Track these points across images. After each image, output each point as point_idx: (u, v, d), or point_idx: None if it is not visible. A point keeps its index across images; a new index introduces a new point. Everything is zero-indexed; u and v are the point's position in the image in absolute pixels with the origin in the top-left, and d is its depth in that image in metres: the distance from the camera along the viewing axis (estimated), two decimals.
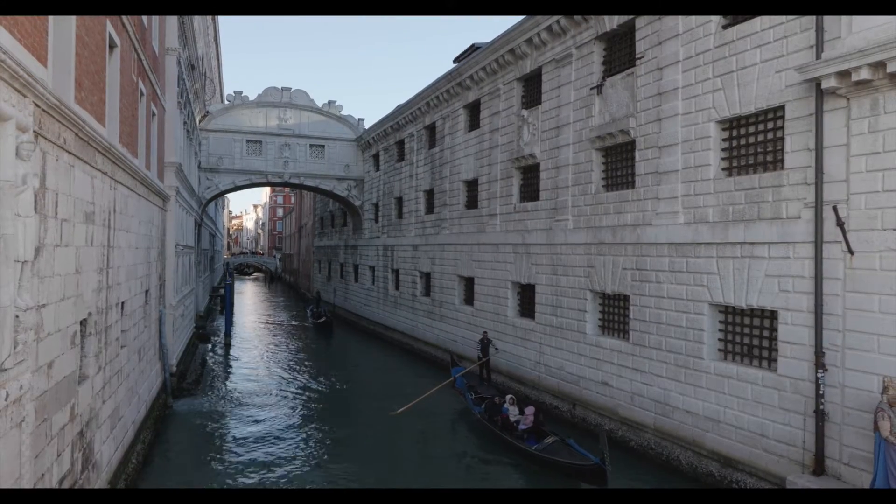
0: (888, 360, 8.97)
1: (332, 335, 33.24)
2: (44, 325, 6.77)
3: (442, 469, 13.18)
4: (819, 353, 9.86)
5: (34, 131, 6.22)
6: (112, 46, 10.64)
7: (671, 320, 12.84)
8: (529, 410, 14.12)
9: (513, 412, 14.55)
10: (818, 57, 9.83)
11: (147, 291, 14.80)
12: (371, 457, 13.73)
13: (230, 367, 24.60)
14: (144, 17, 14.12)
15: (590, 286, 15.42)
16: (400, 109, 29.03)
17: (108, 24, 10.06)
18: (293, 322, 40.36)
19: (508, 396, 15.29)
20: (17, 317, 5.74)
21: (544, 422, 14.33)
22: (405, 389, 20.60)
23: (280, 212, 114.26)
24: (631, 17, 14.13)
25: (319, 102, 36.12)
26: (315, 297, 45.56)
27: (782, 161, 10.83)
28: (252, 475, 12.61)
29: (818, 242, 9.90)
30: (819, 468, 9.85)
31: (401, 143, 30.37)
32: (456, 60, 25.29)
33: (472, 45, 24.33)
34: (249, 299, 59.90)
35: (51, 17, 6.99)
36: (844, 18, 9.45)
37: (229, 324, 31.74)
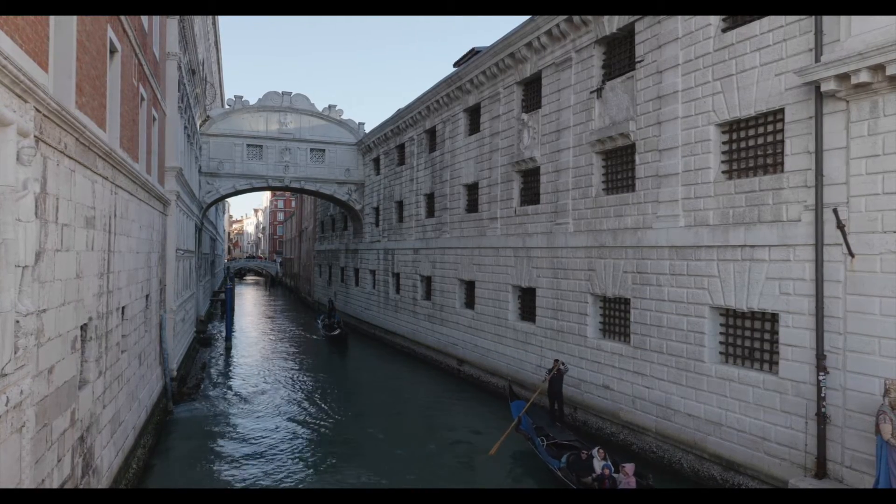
0: (889, 362, 8.96)
1: (347, 350, 29.64)
2: (44, 329, 6.76)
3: None
4: (820, 356, 9.85)
5: (35, 136, 6.23)
6: (113, 51, 10.66)
7: (672, 323, 12.82)
8: (629, 468, 10.44)
9: (603, 468, 10.82)
10: (817, 60, 9.85)
11: (148, 296, 14.80)
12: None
13: (231, 371, 24.57)
14: (145, 23, 14.15)
15: (590, 289, 15.41)
16: (400, 113, 29.08)
17: (109, 29, 10.08)
18: (301, 333, 36.62)
19: (597, 449, 11.56)
20: (17, 322, 5.74)
21: (654, 485, 10.72)
22: (417, 401, 20.60)
23: (281, 216, 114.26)
24: (630, 20, 14.15)
25: (320, 106, 36.22)
26: (328, 305, 39.63)
27: (782, 164, 10.83)
28: (252, 481, 12.59)
29: (819, 245, 9.90)
30: (821, 471, 9.82)
31: (401, 147, 30.40)
32: (456, 64, 25.34)
33: (473, 49, 24.39)
34: (250, 303, 59.88)
35: (52, 22, 7.01)
36: (843, 21, 9.46)
37: (230, 328, 31.71)
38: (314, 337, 34.40)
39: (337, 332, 31.37)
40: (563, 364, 14.74)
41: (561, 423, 14.47)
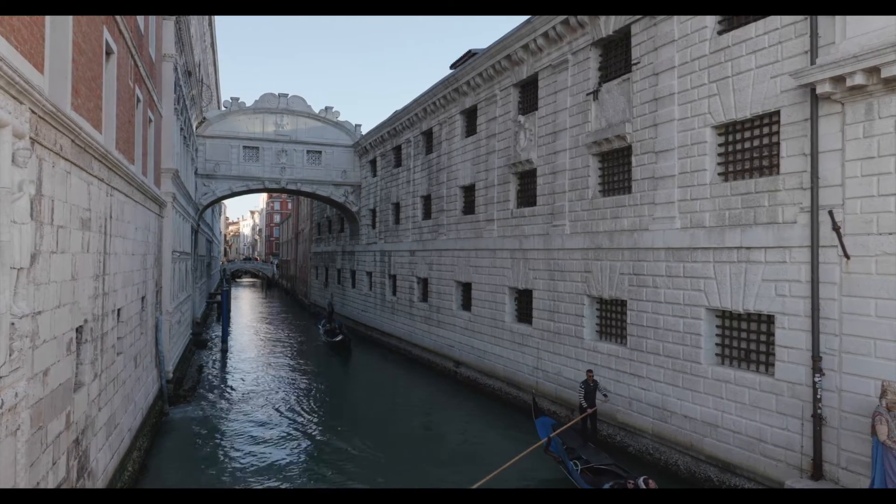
0: (885, 363, 8.99)
1: (350, 356, 28.51)
2: (39, 332, 6.73)
3: None
4: (816, 358, 9.87)
5: (30, 138, 6.21)
6: (109, 53, 10.64)
7: (668, 325, 12.84)
8: None
9: None
10: (813, 62, 9.88)
11: (143, 298, 14.76)
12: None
13: (227, 373, 24.50)
14: (141, 24, 14.12)
15: (587, 291, 15.42)
16: (397, 115, 29.08)
17: (105, 31, 10.06)
18: (298, 335, 36.03)
19: (644, 479, 9.82)
20: (12, 324, 5.72)
21: None
22: (413, 404, 20.58)
23: (277, 218, 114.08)
24: (626, 23, 14.18)
25: (316, 108, 36.21)
26: (328, 309, 38.50)
27: (778, 166, 10.86)
28: (248, 483, 12.55)
29: (814, 247, 9.93)
30: (817, 472, 9.84)
31: (398, 149, 30.40)
32: (453, 66, 25.35)
33: (469, 51, 24.40)
34: (246, 305, 59.74)
35: (48, 23, 6.99)
36: (839, 24, 9.50)
37: (226, 330, 31.64)
38: (316, 342, 33.12)
39: (339, 338, 30.04)
40: (595, 378, 13.76)
41: (594, 442, 13.19)
